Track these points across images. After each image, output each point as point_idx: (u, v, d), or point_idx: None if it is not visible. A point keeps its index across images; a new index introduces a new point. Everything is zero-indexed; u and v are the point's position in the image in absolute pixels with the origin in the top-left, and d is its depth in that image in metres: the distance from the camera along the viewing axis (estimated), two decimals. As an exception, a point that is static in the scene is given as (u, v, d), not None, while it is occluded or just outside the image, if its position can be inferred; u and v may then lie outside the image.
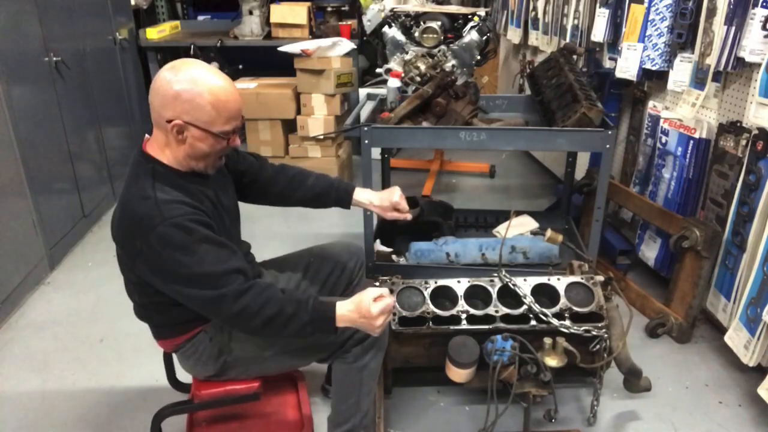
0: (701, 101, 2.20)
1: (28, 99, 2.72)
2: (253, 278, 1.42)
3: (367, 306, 1.43)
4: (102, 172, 3.48)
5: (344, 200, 1.81)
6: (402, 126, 2.37)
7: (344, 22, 4.26)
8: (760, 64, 1.94)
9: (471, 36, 3.16)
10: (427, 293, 1.86)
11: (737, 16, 2.00)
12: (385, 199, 1.80)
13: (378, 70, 3.17)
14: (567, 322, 1.79)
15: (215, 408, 1.79)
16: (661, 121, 2.53)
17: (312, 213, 3.60)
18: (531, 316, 1.82)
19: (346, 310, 1.44)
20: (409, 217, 1.83)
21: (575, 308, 1.82)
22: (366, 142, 2.30)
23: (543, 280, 1.89)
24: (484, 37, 3.20)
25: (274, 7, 4.14)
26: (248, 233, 1.81)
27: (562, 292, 1.85)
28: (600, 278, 1.90)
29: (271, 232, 3.20)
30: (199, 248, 1.35)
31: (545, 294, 1.88)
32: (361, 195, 1.81)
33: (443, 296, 1.88)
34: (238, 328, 1.49)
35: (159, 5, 4.99)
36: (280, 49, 3.52)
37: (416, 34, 3.15)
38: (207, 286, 1.36)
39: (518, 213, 2.74)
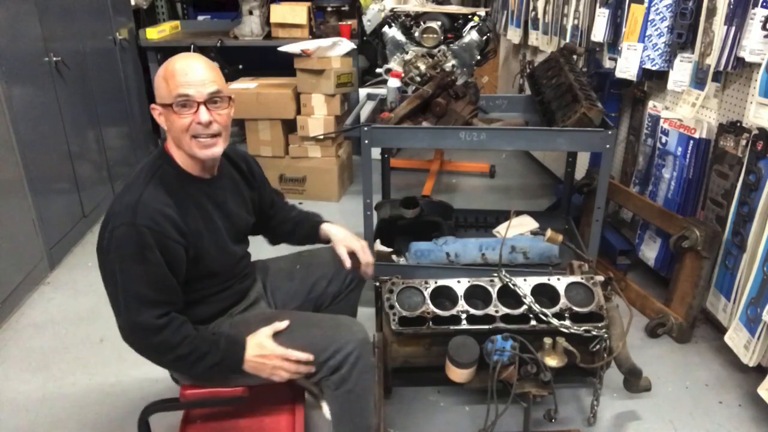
0: (701, 101, 2.20)
1: (28, 99, 2.72)
2: (174, 312, 1.40)
3: (271, 349, 1.43)
4: (102, 172, 3.47)
5: (313, 234, 1.83)
6: (402, 126, 2.37)
7: (344, 22, 4.25)
8: (760, 64, 1.94)
9: (471, 36, 3.16)
10: (427, 293, 1.86)
11: (737, 16, 2.00)
12: (349, 240, 1.77)
13: (378, 70, 3.17)
14: (567, 322, 1.79)
15: (201, 408, 1.74)
16: (661, 121, 2.53)
17: (312, 213, 3.62)
18: (531, 316, 1.82)
19: (251, 356, 1.43)
20: (369, 273, 1.80)
21: (575, 308, 1.82)
22: (366, 142, 2.30)
23: (543, 280, 1.89)
24: (484, 37, 3.20)
25: (274, 7, 4.14)
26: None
27: (562, 292, 1.85)
28: (600, 278, 1.90)
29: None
30: (142, 266, 1.33)
31: (545, 294, 1.88)
32: (330, 228, 1.81)
33: (443, 296, 1.88)
34: (147, 358, 1.43)
35: (159, 5, 4.99)
36: (280, 49, 3.52)
37: (416, 34, 3.15)
38: (132, 307, 1.34)
39: (518, 213, 2.74)
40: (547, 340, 1.75)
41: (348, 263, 1.71)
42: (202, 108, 1.36)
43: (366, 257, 1.77)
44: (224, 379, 1.49)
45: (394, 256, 2.61)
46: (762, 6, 1.92)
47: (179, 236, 1.38)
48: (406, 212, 2.63)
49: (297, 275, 1.78)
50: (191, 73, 1.35)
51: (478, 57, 3.24)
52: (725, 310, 2.20)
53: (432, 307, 1.83)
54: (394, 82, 2.66)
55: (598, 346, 1.81)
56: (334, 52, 3.53)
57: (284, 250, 1.95)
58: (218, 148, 1.43)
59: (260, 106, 3.62)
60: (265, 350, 1.44)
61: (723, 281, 2.22)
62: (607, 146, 2.20)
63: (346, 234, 1.79)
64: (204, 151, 1.41)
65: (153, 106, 1.42)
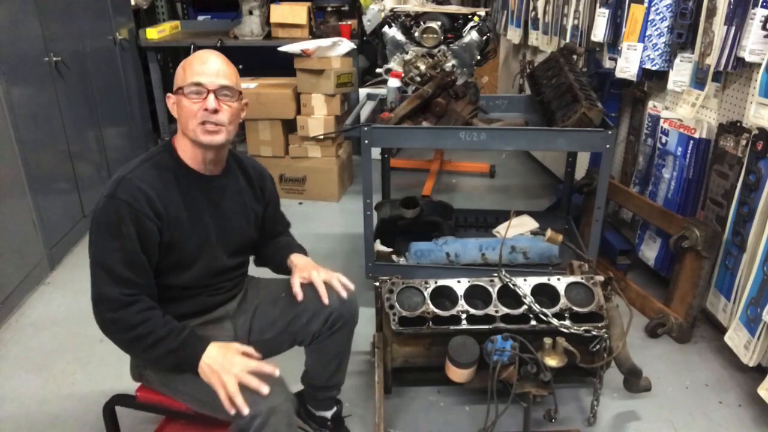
0: (701, 101, 2.20)
1: (28, 99, 2.72)
2: (144, 295, 1.39)
3: (231, 359, 1.34)
4: (102, 172, 3.47)
5: (283, 264, 1.73)
6: (402, 126, 2.37)
7: (344, 22, 4.25)
8: (760, 64, 1.94)
9: (471, 36, 3.16)
10: (427, 293, 1.86)
11: (737, 16, 2.00)
12: (306, 271, 1.64)
13: (378, 70, 3.17)
14: (567, 322, 1.79)
15: (155, 413, 1.72)
16: (661, 121, 2.53)
17: (312, 213, 3.63)
18: (531, 316, 1.82)
19: (211, 357, 1.36)
20: (325, 301, 1.60)
21: (575, 308, 1.82)
22: (366, 142, 2.30)
23: (543, 280, 1.89)
24: (484, 37, 3.20)
25: (274, 7, 4.14)
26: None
27: (562, 292, 1.85)
28: (600, 278, 1.90)
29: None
30: (116, 240, 1.36)
31: (545, 294, 1.88)
32: (294, 258, 1.71)
33: (443, 296, 1.88)
34: (105, 334, 1.41)
35: (159, 5, 4.98)
36: (280, 49, 3.52)
37: (416, 34, 3.15)
38: (98, 277, 1.37)
39: (518, 213, 2.74)
40: (547, 340, 1.75)
41: (299, 296, 1.60)
42: (211, 96, 1.41)
43: (333, 285, 1.61)
44: (176, 372, 1.42)
45: (394, 256, 2.61)
46: (762, 6, 1.92)
47: (154, 216, 1.40)
48: (406, 212, 2.64)
49: (280, 303, 1.67)
50: (207, 64, 1.43)
51: (478, 57, 3.24)
52: (725, 310, 2.20)
53: (432, 307, 1.83)
54: (394, 82, 2.66)
55: (598, 346, 1.81)
56: (334, 52, 3.53)
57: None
58: (220, 137, 1.45)
59: (260, 106, 3.62)
60: (226, 359, 1.35)
61: (723, 281, 2.22)
62: (607, 146, 2.20)
63: (306, 263, 1.68)
64: (207, 137, 1.44)
65: (168, 95, 1.48)
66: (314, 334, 1.65)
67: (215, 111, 1.42)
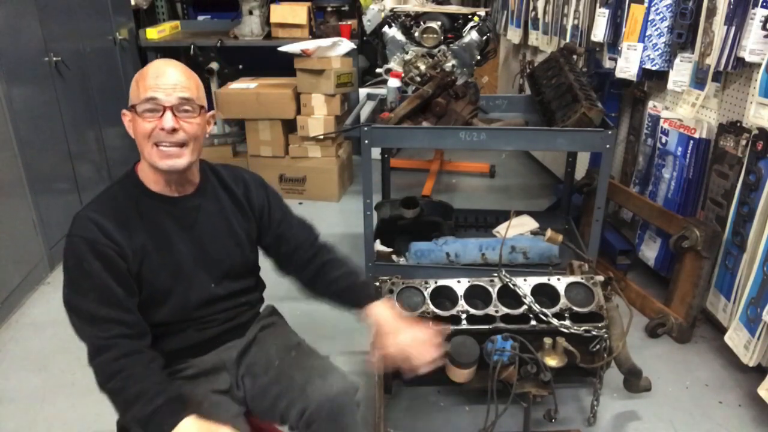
0: (701, 101, 2.20)
1: (28, 99, 2.72)
2: (125, 336, 1.23)
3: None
4: (102, 172, 3.47)
5: (356, 311, 1.46)
6: (402, 126, 2.37)
7: (344, 22, 4.26)
8: (760, 64, 1.94)
9: (471, 36, 3.16)
10: (427, 293, 1.86)
11: (737, 16, 2.00)
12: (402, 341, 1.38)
13: (378, 70, 3.18)
14: (567, 322, 1.79)
15: None
16: (661, 121, 2.53)
17: (312, 213, 3.61)
18: (531, 316, 1.82)
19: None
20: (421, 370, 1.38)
21: (575, 308, 1.82)
22: (366, 142, 2.30)
23: (543, 280, 1.89)
24: (484, 37, 3.21)
25: (274, 7, 4.14)
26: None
27: (562, 292, 1.85)
28: (600, 278, 1.89)
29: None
30: (84, 279, 1.24)
31: (545, 294, 1.88)
32: (377, 310, 1.42)
33: (443, 296, 1.88)
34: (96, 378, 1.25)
35: (159, 5, 4.99)
36: (280, 49, 3.52)
37: (416, 34, 3.15)
38: (74, 324, 1.26)
39: (518, 213, 2.74)
40: (547, 340, 1.75)
41: (376, 366, 1.41)
42: (168, 113, 1.24)
43: (410, 354, 1.36)
44: None
45: (394, 256, 2.61)
46: (762, 6, 1.92)
47: (114, 245, 1.25)
48: (406, 212, 2.64)
49: (272, 371, 1.42)
50: (163, 77, 1.25)
51: (478, 57, 3.24)
52: (725, 310, 2.20)
53: (432, 307, 1.83)
54: (394, 82, 2.66)
55: (598, 346, 1.81)
56: (334, 52, 3.53)
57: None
58: (182, 160, 1.27)
59: (260, 106, 3.62)
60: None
61: (723, 281, 2.22)
62: (607, 146, 2.20)
63: (390, 321, 1.39)
64: (164, 161, 1.26)
65: (124, 111, 1.31)
66: (291, 426, 1.37)
67: (173, 130, 1.24)
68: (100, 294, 1.24)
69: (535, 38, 3.82)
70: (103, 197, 1.35)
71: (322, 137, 3.58)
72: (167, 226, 1.34)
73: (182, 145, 1.27)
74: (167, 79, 1.25)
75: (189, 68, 1.32)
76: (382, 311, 1.42)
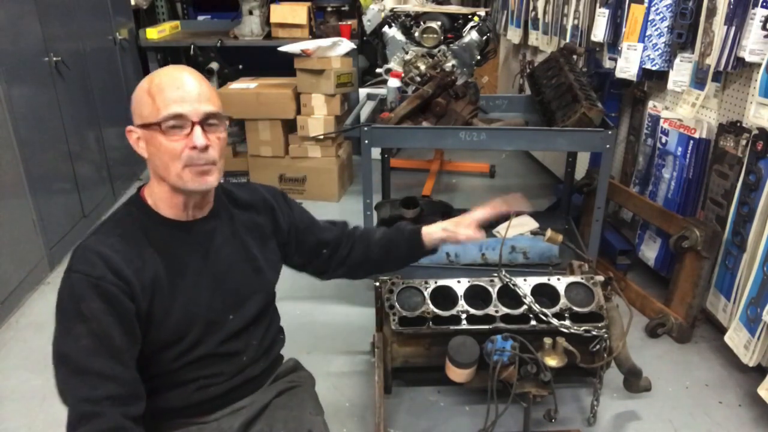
0: (701, 101, 2.20)
1: (28, 99, 2.72)
2: (115, 401, 1.06)
3: None
4: (102, 172, 3.47)
5: (414, 239, 1.52)
6: (402, 126, 2.37)
7: (344, 22, 4.26)
8: (760, 64, 1.94)
9: (471, 36, 3.16)
10: (427, 293, 1.86)
11: (737, 16, 1.99)
12: (459, 220, 1.53)
13: (378, 70, 3.17)
14: (567, 322, 1.79)
15: None
16: (661, 121, 2.53)
17: (312, 213, 3.62)
18: (531, 316, 1.82)
19: None
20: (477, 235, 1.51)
21: (575, 308, 1.82)
22: (366, 142, 2.30)
23: (543, 280, 1.89)
24: (484, 37, 3.20)
25: (274, 7, 4.14)
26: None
27: (562, 292, 1.85)
28: (600, 278, 1.90)
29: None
30: (79, 323, 1.07)
31: (545, 294, 1.88)
32: (431, 227, 1.53)
33: (443, 296, 1.88)
34: None
35: (159, 5, 4.99)
36: (280, 49, 3.52)
37: (416, 34, 3.15)
38: (60, 375, 1.08)
39: (518, 213, 2.74)
40: (547, 340, 1.75)
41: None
42: (198, 129, 1.11)
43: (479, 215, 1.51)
44: None
45: (394, 256, 2.61)
46: (762, 6, 1.92)
47: (120, 281, 1.10)
48: (406, 212, 2.64)
49: (260, 423, 1.31)
50: (185, 88, 1.11)
51: (478, 57, 3.24)
52: (725, 310, 2.20)
53: (432, 307, 1.83)
54: (394, 82, 2.66)
55: (598, 346, 1.81)
56: (334, 52, 3.53)
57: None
58: (213, 178, 1.16)
59: (260, 106, 3.62)
60: None
61: (723, 281, 2.22)
62: (607, 146, 2.20)
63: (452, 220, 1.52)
64: (199, 181, 1.13)
65: (129, 128, 1.16)
66: None
67: (206, 148, 1.11)
68: (97, 341, 1.06)
69: (535, 38, 3.82)
70: (108, 226, 1.20)
71: (322, 137, 3.58)
72: (181, 254, 1.21)
73: (212, 162, 1.14)
74: (191, 90, 1.12)
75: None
76: (433, 227, 1.50)
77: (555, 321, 1.79)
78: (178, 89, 1.11)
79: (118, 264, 1.11)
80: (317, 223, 1.49)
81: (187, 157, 1.11)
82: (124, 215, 1.21)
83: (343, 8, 4.32)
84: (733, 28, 2.01)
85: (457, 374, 1.75)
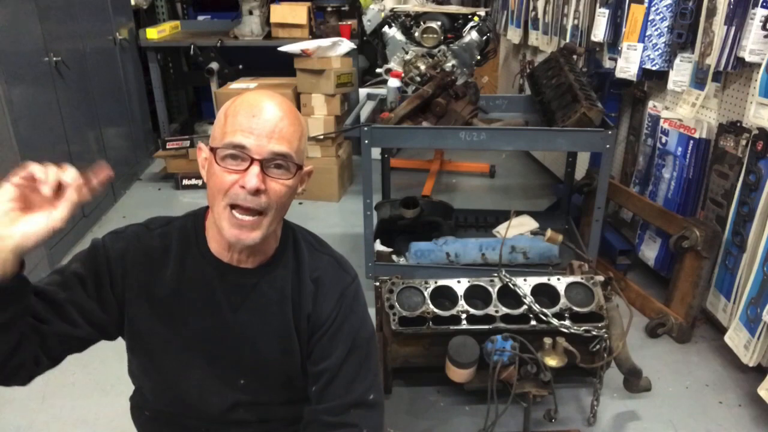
0: (701, 101, 2.20)
1: (28, 99, 2.72)
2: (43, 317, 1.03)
3: None
4: (102, 172, 3.47)
5: None
6: (402, 126, 2.37)
7: (344, 22, 4.25)
8: (760, 64, 1.94)
9: (471, 36, 3.17)
10: (427, 293, 1.86)
11: (737, 16, 2.00)
12: None
13: (378, 70, 3.18)
14: (567, 322, 1.79)
15: None
16: (661, 121, 2.53)
17: (312, 213, 3.63)
18: (531, 316, 1.82)
19: None
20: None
21: (575, 308, 1.82)
22: (366, 142, 2.30)
23: (543, 280, 1.89)
24: (484, 37, 3.21)
25: (274, 7, 4.14)
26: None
27: (562, 292, 1.85)
28: (600, 278, 1.90)
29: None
30: (69, 266, 1.07)
31: (545, 294, 1.88)
32: None
33: (443, 296, 1.88)
34: None
35: (159, 5, 4.98)
36: (280, 49, 3.52)
37: (416, 34, 3.15)
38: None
39: (518, 213, 2.74)
40: (547, 340, 1.75)
41: None
42: (254, 168, 0.96)
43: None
44: None
45: (394, 256, 2.61)
46: (762, 6, 1.92)
47: (116, 270, 1.06)
48: (406, 212, 2.64)
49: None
50: (261, 117, 0.97)
51: (478, 57, 3.25)
52: (725, 310, 2.20)
53: (432, 307, 1.83)
54: (394, 82, 2.66)
55: (598, 346, 1.81)
56: (334, 52, 3.53)
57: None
58: (254, 235, 1.00)
59: (260, 106, 3.62)
60: None
61: (723, 281, 2.22)
62: (607, 146, 2.20)
63: None
64: (232, 232, 0.99)
65: (200, 145, 1.06)
66: None
67: (257, 192, 0.96)
68: (59, 279, 1.05)
69: (535, 38, 3.82)
70: (160, 221, 1.13)
71: (322, 137, 3.58)
72: (203, 295, 1.07)
73: (261, 212, 0.99)
74: (264, 123, 0.97)
75: (295, 109, 1.05)
76: None
77: (555, 321, 1.79)
78: (253, 117, 0.97)
79: (131, 256, 1.06)
80: (347, 361, 1.10)
81: (233, 195, 0.97)
82: (178, 225, 1.12)
83: (343, 8, 4.32)
84: (733, 28, 2.01)
85: (457, 374, 1.75)
